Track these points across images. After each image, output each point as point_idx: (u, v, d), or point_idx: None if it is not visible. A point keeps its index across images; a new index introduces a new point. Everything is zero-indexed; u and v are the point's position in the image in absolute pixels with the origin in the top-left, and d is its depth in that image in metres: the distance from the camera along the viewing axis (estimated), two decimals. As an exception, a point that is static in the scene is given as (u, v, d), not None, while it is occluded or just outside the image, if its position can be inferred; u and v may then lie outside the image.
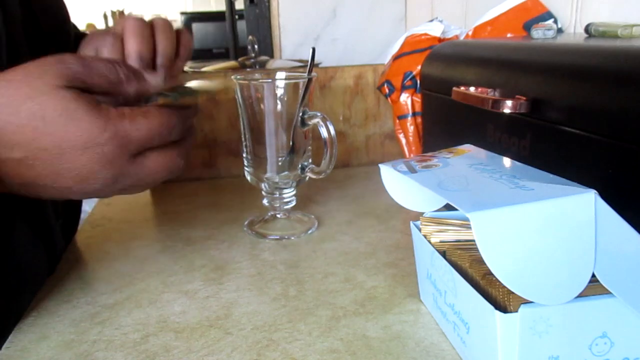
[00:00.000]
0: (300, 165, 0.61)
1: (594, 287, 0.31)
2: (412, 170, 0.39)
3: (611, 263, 0.30)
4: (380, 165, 0.43)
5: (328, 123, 0.56)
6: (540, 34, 0.59)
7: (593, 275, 0.30)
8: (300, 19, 1.01)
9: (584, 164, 0.39)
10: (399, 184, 0.43)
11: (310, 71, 0.58)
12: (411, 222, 0.45)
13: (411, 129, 0.79)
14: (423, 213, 0.44)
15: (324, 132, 0.56)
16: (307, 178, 0.62)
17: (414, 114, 0.79)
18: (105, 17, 3.58)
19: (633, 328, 0.32)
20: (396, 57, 0.80)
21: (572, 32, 0.71)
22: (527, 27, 0.72)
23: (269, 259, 0.56)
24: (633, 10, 0.60)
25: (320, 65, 0.86)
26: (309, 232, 0.62)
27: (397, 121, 0.80)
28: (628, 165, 0.35)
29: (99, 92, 0.35)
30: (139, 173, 0.36)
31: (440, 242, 0.42)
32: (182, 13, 3.29)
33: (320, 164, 0.59)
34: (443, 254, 0.40)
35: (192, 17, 3.27)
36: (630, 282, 0.31)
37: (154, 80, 0.39)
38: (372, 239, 0.60)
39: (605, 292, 0.31)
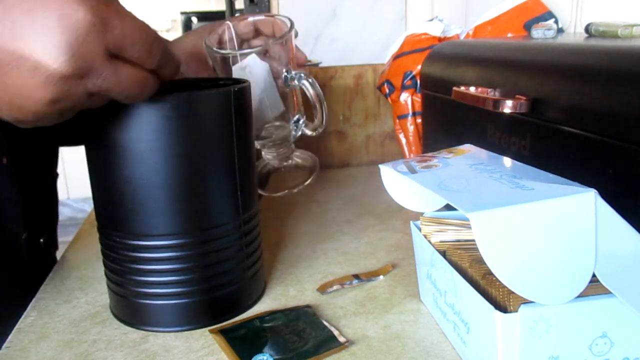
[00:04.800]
0: (293, 120, 0.58)
1: (594, 287, 0.31)
2: (412, 170, 0.39)
3: (611, 263, 0.30)
4: (380, 165, 0.43)
5: (311, 80, 0.54)
6: (541, 34, 0.59)
7: (593, 275, 0.30)
8: (300, 19, 1.01)
9: (584, 164, 0.39)
10: (399, 184, 0.43)
11: (282, 37, 0.55)
12: (411, 222, 0.45)
13: (411, 129, 0.79)
14: (423, 213, 0.44)
15: (309, 91, 0.54)
16: (302, 132, 0.58)
17: (414, 114, 0.79)
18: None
19: (633, 328, 0.32)
20: (396, 57, 0.80)
21: (572, 32, 0.71)
22: (528, 27, 0.72)
23: (269, 258, 0.56)
24: (633, 10, 0.60)
25: (320, 65, 0.86)
26: (311, 179, 0.59)
27: (397, 121, 0.80)
28: (628, 165, 0.35)
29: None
30: (111, 76, 0.31)
31: (440, 242, 0.42)
32: (183, 12, 3.28)
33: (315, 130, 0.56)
34: (443, 254, 0.40)
35: (193, 17, 3.27)
36: (630, 282, 0.31)
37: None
38: (372, 239, 0.60)
39: (605, 292, 0.31)
